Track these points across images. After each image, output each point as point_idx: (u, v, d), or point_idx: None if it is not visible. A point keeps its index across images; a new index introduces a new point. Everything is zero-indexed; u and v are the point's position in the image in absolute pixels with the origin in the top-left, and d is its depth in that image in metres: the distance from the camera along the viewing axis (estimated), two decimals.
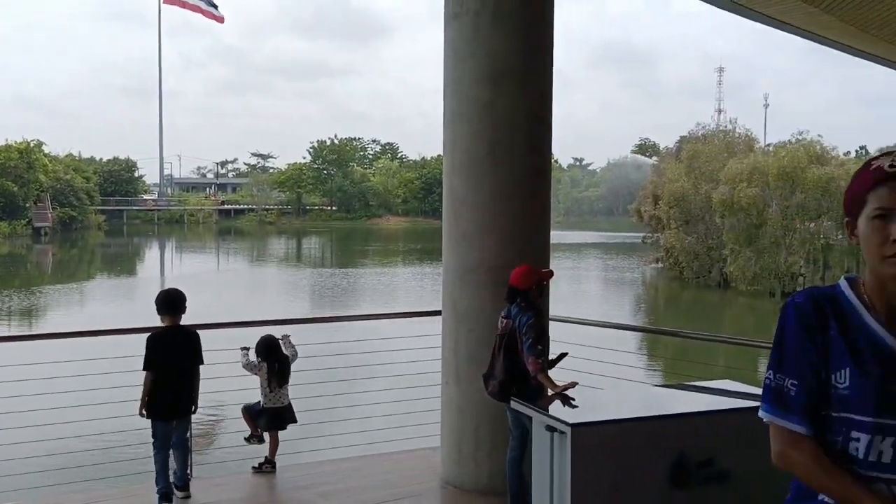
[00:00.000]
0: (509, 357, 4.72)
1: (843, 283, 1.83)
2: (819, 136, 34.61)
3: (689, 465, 4.05)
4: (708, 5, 12.43)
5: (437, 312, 5.65)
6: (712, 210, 34.48)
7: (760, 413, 1.85)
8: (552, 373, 4.65)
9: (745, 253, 32.60)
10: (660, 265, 41.16)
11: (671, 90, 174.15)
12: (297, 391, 5.71)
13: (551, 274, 5.03)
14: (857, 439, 1.73)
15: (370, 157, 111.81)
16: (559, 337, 5.24)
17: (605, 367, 5.77)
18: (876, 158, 1.72)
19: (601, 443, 3.91)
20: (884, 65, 14.34)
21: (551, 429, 3.99)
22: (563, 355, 5.01)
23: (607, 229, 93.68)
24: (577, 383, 4.68)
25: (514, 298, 4.78)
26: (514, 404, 4.38)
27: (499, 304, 5.20)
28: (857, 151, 77.18)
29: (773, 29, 14.48)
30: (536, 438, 4.14)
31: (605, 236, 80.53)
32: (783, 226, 31.96)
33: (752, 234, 32.81)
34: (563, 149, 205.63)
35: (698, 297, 32.79)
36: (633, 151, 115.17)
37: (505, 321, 4.84)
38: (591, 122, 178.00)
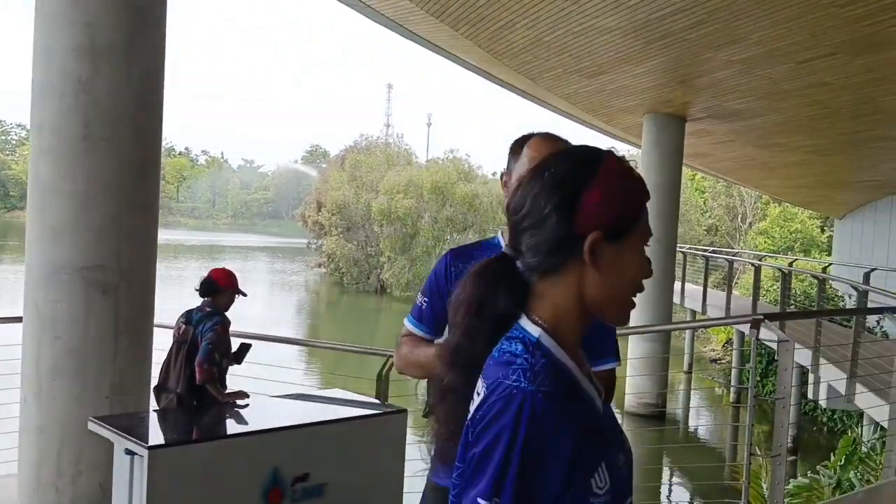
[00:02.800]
0: (190, 366, 4.29)
1: (534, 328, 1.33)
2: (468, 154, 37.58)
3: (283, 481, 3.89)
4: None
5: (18, 319, 4.88)
6: (372, 218, 35.70)
7: None
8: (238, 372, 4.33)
9: (400, 261, 34.21)
10: (322, 270, 41.71)
11: (348, 100, 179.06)
12: None
13: (244, 294, 4.81)
14: None
15: (14, 142, 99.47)
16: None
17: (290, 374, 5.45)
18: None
19: (185, 465, 3.57)
20: (511, 90, 15.85)
21: (130, 452, 3.58)
22: (245, 347, 4.70)
23: (276, 233, 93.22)
24: (247, 393, 4.40)
25: (207, 293, 4.47)
26: (91, 425, 3.86)
27: (91, 310, 4.64)
28: (492, 175, 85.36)
29: (447, 63, 15.43)
30: (117, 465, 3.69)
31: (272, 240, 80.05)
32: (434, 236, 34.10)
33: (407, 243, 34.56)
34: (233, 149, 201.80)
35: (356, 303, 33.70)
36: (304, 157, 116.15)
37: (184, 327, 4.38)
38: (268, 125, 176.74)
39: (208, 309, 4.46)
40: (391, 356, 5.46)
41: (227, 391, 4.59)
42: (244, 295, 4.72)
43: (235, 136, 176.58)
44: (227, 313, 4.77)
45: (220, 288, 4.54)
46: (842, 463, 7.43)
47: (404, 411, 4.43)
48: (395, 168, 37.67)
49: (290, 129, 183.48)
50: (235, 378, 5.46)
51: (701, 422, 16.66)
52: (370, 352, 5.80)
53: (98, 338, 4.67)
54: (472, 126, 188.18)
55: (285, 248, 65.09)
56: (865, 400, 7.59)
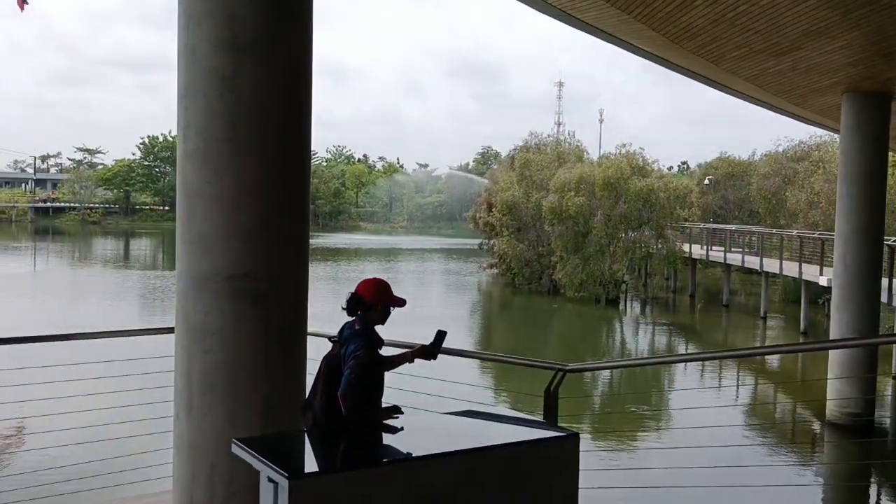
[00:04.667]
0: (330, 387, 3.96)
1: None
2: (641, 148, 36.05)
3: None
4: (555, 23, 12.29)
5: (170, 329, 4.77)
6: (543, 218, 35.12)
7: None
8: None
9: (572, 260, 33.36)
10: (495, 271, 41.64)
11: (519, 103, 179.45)
12: None
13: (404, 302, 4.27)
14: None
15: None
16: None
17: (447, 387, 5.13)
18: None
19: (330, 495, 3.21)
20: (689, 76, 14.76)
21: (272, 480, 3.30)
22: (441, 335, 4.38)
23: (449, 235, 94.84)
24: (400, 409, 4.09)
25: (353, 311, 4.05)
26: (235, 449, 3.61)
27: (241, 321, 4.45)
28: (678, 166, 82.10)
29: (615, 49, 14.72)
30: (262, 492, 3.41)
31: (446, 242, 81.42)
32: (607, 234, 32.97)
33: (580, 241, 33.64)
34: (409, 154, 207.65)
35: (529, 304, 33.25)
36: (476, 159, 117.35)
37: (335, 343, 4.14)
38: (442, 129, 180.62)
39: (357, 327, 4.08)
40: (560, 370, 4.94)
41: (383, 406, 4.21)
42: (402, 305, 4.29)
43: (408, 142, 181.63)
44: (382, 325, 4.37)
45: (367, 304, 4.13)
46: None
47: (576, 435, 3.91)
48: (565, 165, 36.83)
49: (463, 132, 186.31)
50: (396, 393, 5.12)
51: None
52: (538, 365, 5.29)
53: (249, 350, 4.45)
54: (647, 119, 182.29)
55: (459, 250, 65.91)
56: None
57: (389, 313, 4.26)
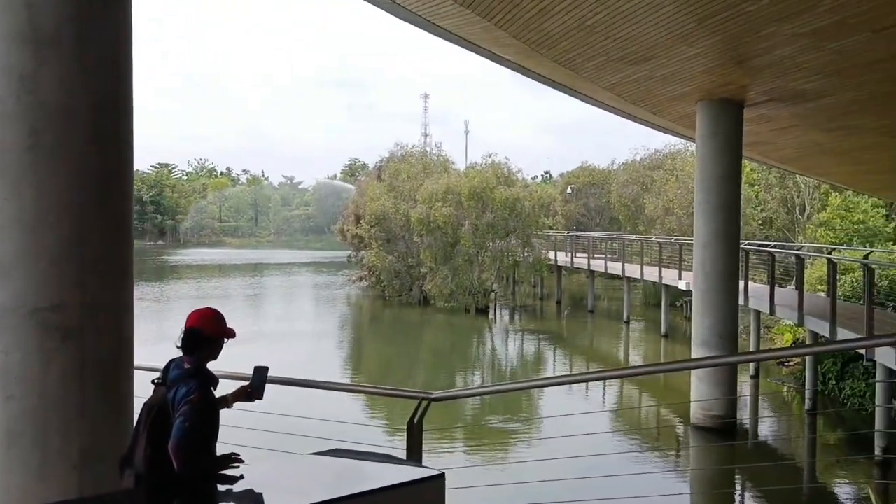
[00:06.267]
0: (154, 438, 3.31)
1: None
2: (506, 158, 36.46)
3: None
4: (420, 32, 11.83)
5: None
6: (411, 229, 34.86)
7: None
8: None
9: (442, 271, 33.25)
10: (364, 283, 41.01)
11: (387, 114, 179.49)
12: None
13: (234, 333, 3.69)
14: None
15: None
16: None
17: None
18: None
19: None
20: (551, 86, 14.77)
21: None
22: (261, 372, 3.74)
23: (318, 248, 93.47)
24: (240, 458, 3.47)
25: (193, 349, 3.44)
26: None
27: (51, 360, 3.75)
28: (542, 175, 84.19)
29: (481, 60, 14.49)
30: None
31: (315, 255, 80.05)
32: (475, 244, 33.06)
33: (448, 252, 33.59)
34: (276, 167, 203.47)
35: (400, 316, 32.83)
36: (344, 171, 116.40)
37: (158, 385, 3.45)
38: (309, 141, 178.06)
39: (187, 365, 3.46)
40: (425, 398, 4.47)
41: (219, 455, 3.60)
42: (233, 336, 3.69)
43: (274, 154, 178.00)
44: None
45: (206, 338, 3.54)
46: None
47: (441, 476, 3.45)
48: (432, 176, 36.76)
49: (331, 144, 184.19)
50: (238, 433, 4.52)
51: (774, 434, 15.32)
52: (401, 395, 4.80)
53: (61, 394, 3.79)
54: (512, 130, 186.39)
55: (328, 263, 64.86)
56: None
57: (221, 348, 3.66)
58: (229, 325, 3.66)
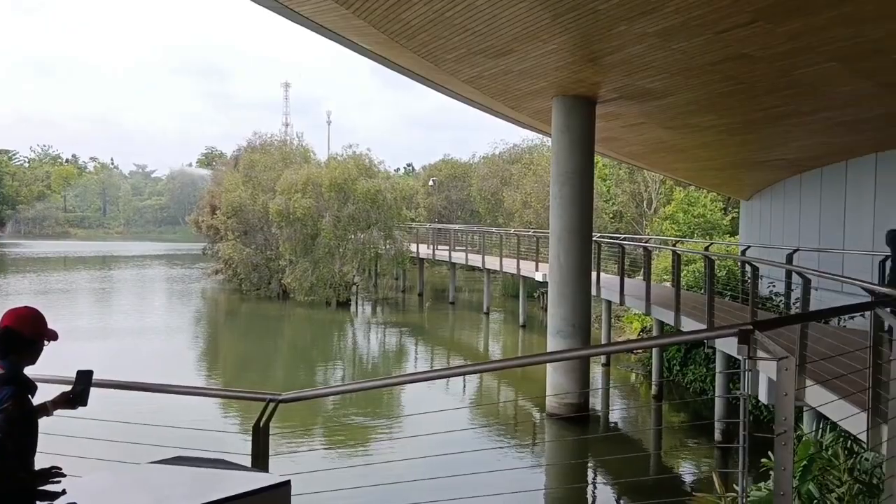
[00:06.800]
0: None
1: None
2: (368, 149, 36.19)
3: None
4: (283, 22, 11.23)
5: None
6: (270, 220, 34.00)
7: None
8: None
9: (302, 263, 32.63)
10: (220, 277, 39.65)
11: (246, 103, 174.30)
12: None
13: (56, 335, 3.33)
14: None
15: None
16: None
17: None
18: None
19: None
20: (412, 77, 14.70)
21: None
22: (84, 377, 3.36)
23: (172, 239, 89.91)
24: (61, 472, 3.09)
25: (7, 351, 3.15)
26: None
27: None
28: (404, 168, 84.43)
29: (344, 50, 14.12)
30: None
31: (168, 247, 76.86)
32: (336, 236, 32.63)
33: (308, 244, 32.99)
34: (127, 155, 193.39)
35: (257, 310, 31.94)
36: (200, 161, 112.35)
37: None
38: (163, 129, 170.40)
39: (0, 370, 3.10)
40: (272, 400, 4.24)
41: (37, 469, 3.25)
42: (56, 338, 3.35)
43: (125, 141, 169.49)
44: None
45: (25, 340, 3.19)
46: (800, 471, 6.60)
47: (287, 483, 3.26)
48: (292, 167, 35.98)
49: (186, 132, 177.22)
50: (71, 443, 4.14)
51: (624, 419, 15.95)
52: (246, 396, 4.54)
53: None
54: (375, 121, 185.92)
55: (182, 256, 62.44)
56: (816, 396, 6.79)
57: (41, 350, 3.31)
58: (72, 322, 3.32)
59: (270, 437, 4.18)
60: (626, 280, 17.86)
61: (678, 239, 28.63)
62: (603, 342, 19.43)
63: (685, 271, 21.74)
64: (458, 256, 34.67)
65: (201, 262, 47.44)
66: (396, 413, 15.34)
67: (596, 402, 16.35)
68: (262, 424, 4.03)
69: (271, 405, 4.11)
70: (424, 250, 37.87)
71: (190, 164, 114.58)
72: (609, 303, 19.29)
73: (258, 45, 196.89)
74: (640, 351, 19.80)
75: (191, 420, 11.74)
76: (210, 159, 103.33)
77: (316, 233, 32.74)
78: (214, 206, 38.73)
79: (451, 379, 17.59)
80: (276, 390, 4.40)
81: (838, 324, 11.51)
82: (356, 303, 34.45)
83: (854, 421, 5.59)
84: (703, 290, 15.05)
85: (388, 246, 34.63)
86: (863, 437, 5.63)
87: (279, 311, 31.70)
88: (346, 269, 33.12)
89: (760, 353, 3.20)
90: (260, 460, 3.97)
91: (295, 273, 32.57)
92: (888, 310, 4.39)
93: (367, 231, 33.34)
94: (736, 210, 31.89)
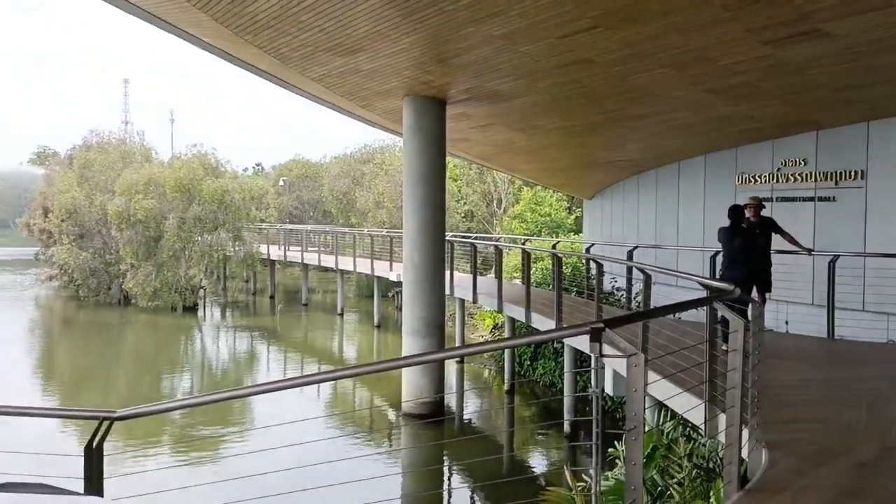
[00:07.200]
0: None
1: None
2: (213, 148, 34.95)
3: None
4: (124, 17, 10.50)
5: None
6: (109, 223, 32.15)
7: None
8: None
9: (144, 267, 31.06)
10: (56, 283, 37.12)
11: (82, 99, 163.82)
12: None
13: None
14: None
15: None
16: None
17: None
18: None
19: None
20: (259, 75, 14.28)
21: None
22: None
23: (2, 244, 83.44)
24: None
25: None
26: None
27: None
28: (254, 167, 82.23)
29: (190, 46, 13.42)
30: None
31: None
32: (182, 238, 31.26)
33: (151, 247, 31.44)
34: None
35: (96, 318, 30.11)
36: (32, 160, 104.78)
37: None
38: None
39: None
40: (106, 418, 3.93)
41: None
42: None
43: None
44: None
45: None
46: (643, 460, 6.90)
47: None
48: (132, 166, 34.16)
49: (17, 130, 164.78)
50: None
51: (479, 415, 16.22)
52: (76, 415, 4.19)
53: None
54: (222, 120, 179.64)
55: (13, 261, 57.96)
56: (660, 389, 7.13)
57: None
58: None
59: (108, 457, 3.88)
60: (479, 278, 18.18)
61: (527, 237, 29.47)
62: (458, 340, 19.69)
63: (534, 269, 22.41)
64: (311, 257, 34.12)
65: (34, 267, 44.25)
66: (250, 422, 14.87)
67: (451, 399, 16.53)
68: (94, 445, 3.73)
69: (105, 423, 3.82)
70: (276, 252, 36.99)
71: (21, 164, 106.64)
72: (463, 301, 19.56)
73: (96, 40, 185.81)
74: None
75: (25, 442, 10.87)
76: (43, 158, 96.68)
77: (159, 235, 31.23)
78: (47, 208, 36.22)
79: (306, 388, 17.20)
80: (120, 404, 4.09)
81: (674, 316, 12.20)
82: (204, 307, 33.18)
83: (696, 412, 5.90)
84: (551, 287, 15.53)
85: (237, 248, 33.57)
86: (704, 427, 5.94)
87: (121, 318, 30.04)
88: (193, 272, 31.82)
89: (611, 350, 3.27)
90: (94, 484, 3.67)
91: (137, 278, 30.96)
92: (723, 304, 4.64)
93: (215, 233, 32.17)
94: (579, 209, 33.22)
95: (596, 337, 3.25)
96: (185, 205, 31.41)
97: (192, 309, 31.64)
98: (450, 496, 11.04)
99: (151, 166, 34.14)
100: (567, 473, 5.90)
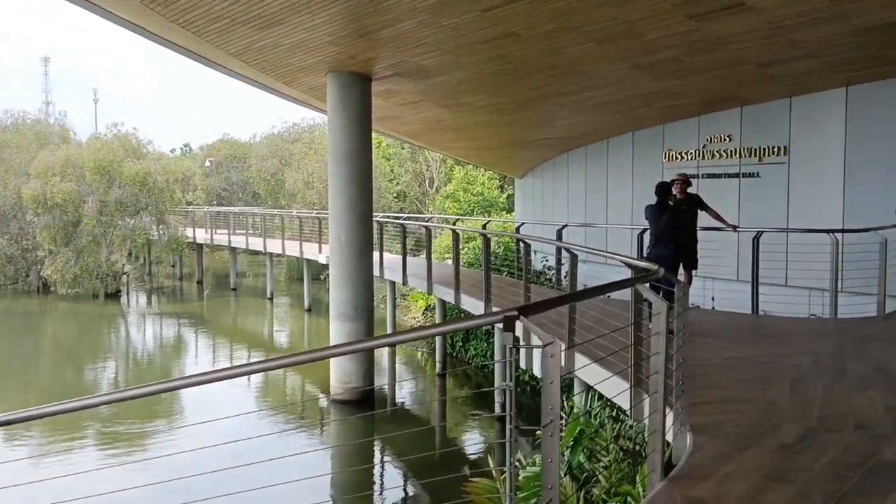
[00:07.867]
0: None
1: None
2: (134, 129, 33.69)
3: None
4: None
5: None
6: (24, 207, 30.76)
7: None
8: None
9: (63, 253, 29.84)
10: None
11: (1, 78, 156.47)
12: None
13: None
14: None
15: None
16: None
17: None
18: None
19: None
20: (174, 49, 13.61)
21: None
22: None
23: None
24: None
25: None
26: None
27: None
28: (181, 148, 79.90)
29: (114, 25, 12.64)
30: None
31: None
32: (102, 222, 30.09)
33: (70, 232, 30.22)
34: None
35: (13, 307, 28.82)
36: None
37: None
38: None
39: None
40: None
41: None
42: None
43: None
44: None
45: None
46: (570, 444, 6.76)
47: None
48: (48, 147, 32.70)
49: None
50: None
51: (411, 398, 16.01)
52: None
53: None
54: (148, 99, 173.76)
55: None
56: (587, 372, 6.99)
57: None
58: None
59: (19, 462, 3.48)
60: (410, 259, 17.88)
61: (459, 217, 29.27)
62: (388, 323, 19.39)
63: (465, 249, 22.23)
64: (239, 240, 33.26)
65: None
66: (178, 413, 14.33)
67: (383, 382, 16.26)
68: None
69: None
70: (202, 235, 35.98)
71: None
72: (394, 283, 19.25)
73: (17, 16, 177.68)
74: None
75: None
76: None
77: (78, 219, 30.01)
78: None
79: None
80: (41, 399, 3.68)
81: (605, 295, 12.14)
82: (128, 293, 32.12)
83: (623, 396, 5.75)
84: (482, 267, 15.36)
85: (161, 231, 32.52)
86: (630, 412, 5.80)
87: (39, 306, 28.86)
88: (115, 257, 30.73)
89: (532, 339, 3.03)
90: None
91: (56, 264, 29.73)
92: (647, 285, 4.47)
93: (137, 216, 31.07)
94: (511, 188, 33.18)
95: (510, 326, 3.00)
96: (106, 187, 30.23)
97: (114, 296, 30.58)
98: (382, 480, 10.81)
99: (69, 147, 32.76)
100: (491, 462, 5.70)
